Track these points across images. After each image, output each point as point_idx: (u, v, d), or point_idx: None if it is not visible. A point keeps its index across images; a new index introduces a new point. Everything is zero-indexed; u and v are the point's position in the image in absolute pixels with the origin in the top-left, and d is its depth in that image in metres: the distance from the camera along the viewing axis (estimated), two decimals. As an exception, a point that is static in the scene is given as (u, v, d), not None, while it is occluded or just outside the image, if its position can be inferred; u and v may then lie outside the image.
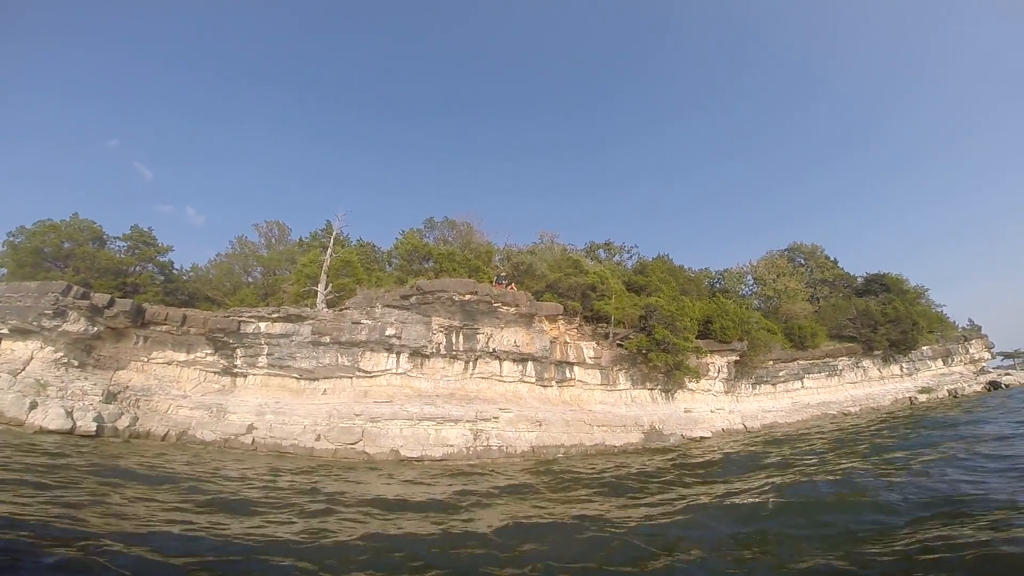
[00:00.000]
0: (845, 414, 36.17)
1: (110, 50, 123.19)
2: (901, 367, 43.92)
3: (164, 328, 22.26)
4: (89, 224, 28.87)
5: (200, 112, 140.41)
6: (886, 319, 41.10)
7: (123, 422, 19.23)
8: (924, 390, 42.21)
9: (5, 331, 20.41)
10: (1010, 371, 56.00)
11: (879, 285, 48.59)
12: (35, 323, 19.93)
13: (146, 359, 21.94)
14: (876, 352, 41.69)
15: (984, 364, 52.71)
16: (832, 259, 52.99)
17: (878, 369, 42.65)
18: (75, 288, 21.25)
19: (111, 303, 21.58)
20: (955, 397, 41.70)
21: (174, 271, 30.13)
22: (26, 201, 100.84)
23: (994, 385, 46.19)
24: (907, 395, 41.05)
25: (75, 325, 20.56)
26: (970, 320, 54.38)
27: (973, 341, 51.43)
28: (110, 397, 19.87)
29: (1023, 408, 26.38)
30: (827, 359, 39.46)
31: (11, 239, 26.46)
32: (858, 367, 41.65)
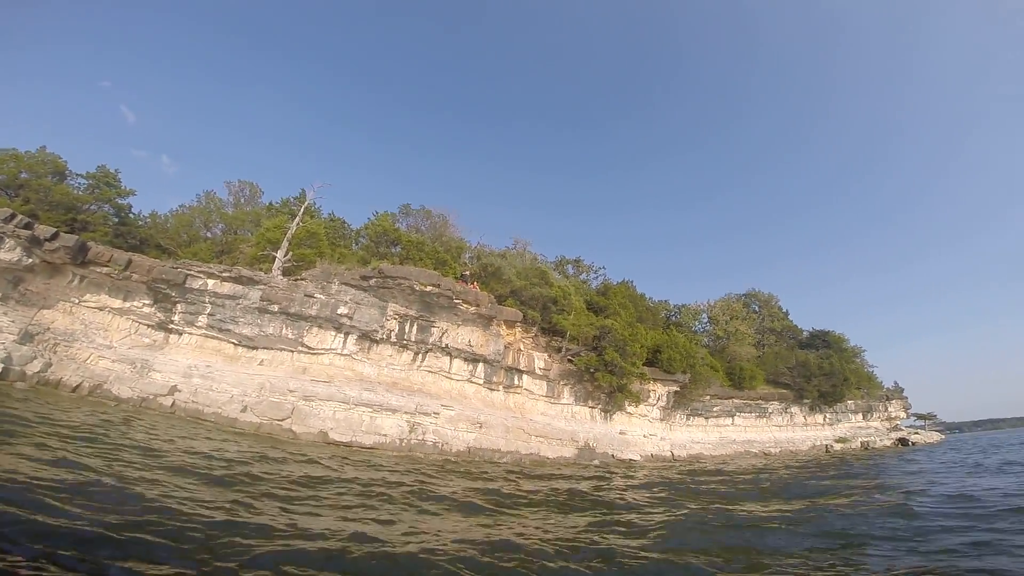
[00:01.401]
0: (766, 454, 37.71)
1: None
2: (825, 416, 46.95)
3: (105, 270, 20.94)
4: (54, 158, 27.28)
5: (199, 66, 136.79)
6: (821, 372, 43.82)
7: (34, 366, 17.70)
8: (840, 440, 44.96)
9: (-70, 250, 18.87)
10: (919, 430, 61.28)
11: (821, 340, 51.68)
12: (-35, 246, 18.46)
13: (77, 301, 20.50)
14: (806, 400, 44.40)
15: (899, 422, 56.79)
16: (784, 311, 56.01)
17: (804, 416, 45.16)
18: (19, 217, 19.92)
19: (55, 235, 20.23)
20: (866, 448, 44.67)
21: (131, 215, 28.58)
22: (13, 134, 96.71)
23: (903, 442, 49.65)
24: (824, 442, 43.45)
25: (9, 254, 19.17)
26: (895, 382, 58.72)
27: (894, 401, 55.28)
28: (26, 337, 18.37)
29: (903, 464, 26.52)
30: (760, 401, 41.23)
31: (-33, 162, 24.79)
32: (786, 412, 43.92)
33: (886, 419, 53.82)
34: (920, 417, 72.37)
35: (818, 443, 42.80)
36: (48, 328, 19.19)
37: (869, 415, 51.82)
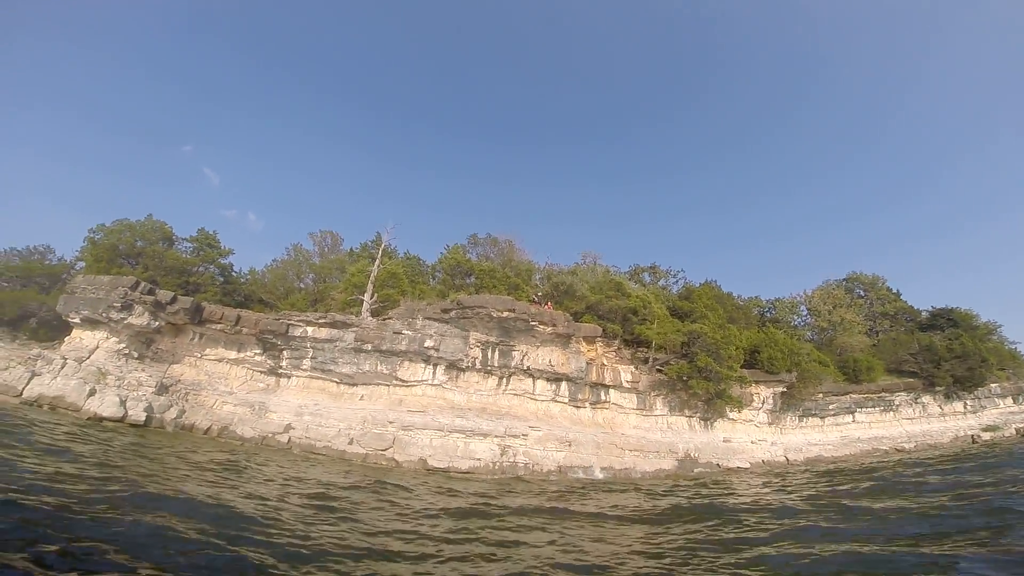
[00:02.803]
0: (898, 450, 34.74)
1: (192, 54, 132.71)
2: (965, 404, 41.68)
3: (219, 326, 23.99)
4: (161, 225, 31.38)
5: (268, 117, 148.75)
6: (951, 355, 39.20)
7: (171, 414, 20.93)
8: (989, 428, 39.82)
9: (77, 320, 22.55)
10: None
11: (945, 320, 46.35)
12: (104, 314, 21.94)
13: (199, 355, 23.75)
14: (938, 388, 39.83)
15: None
16: (895, 291, 50.82)
17: (939, 405, 40.57)
18: (143, 284, 23.30)
19: (174, 299, 23.51)
20: (1023, 436, 39.38)
21: (233, 273, 32.30)
22: (109, 194, 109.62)
23: None
24: (969, 432, 38.80)
25: (139, 318, 22.49)
26: None
27: None
28: (162, 389, 21.66)
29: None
30: (883, 393, 37.92)
31: (91, 236, 29.16)
32: (917, 403, 39.79)
33: None
34: None
35: (961, 433, 38.54)
36: (179, 380, 22.40)
37: (1021, 398, 45.16)
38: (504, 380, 25.79)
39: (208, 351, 23.98)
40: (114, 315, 21.95)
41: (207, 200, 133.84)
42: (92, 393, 20.12)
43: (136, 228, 30.31)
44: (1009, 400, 44.47)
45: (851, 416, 36.85)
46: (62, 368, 20.89)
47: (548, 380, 26.21)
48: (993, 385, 42.95)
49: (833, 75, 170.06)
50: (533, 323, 25.54)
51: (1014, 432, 39.94)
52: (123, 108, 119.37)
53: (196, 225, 33.55)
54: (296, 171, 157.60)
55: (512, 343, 25.76)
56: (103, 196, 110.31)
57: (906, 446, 35.40)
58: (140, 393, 20.91)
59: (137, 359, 22.67)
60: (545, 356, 26.02)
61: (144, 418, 20.03)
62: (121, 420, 19.55)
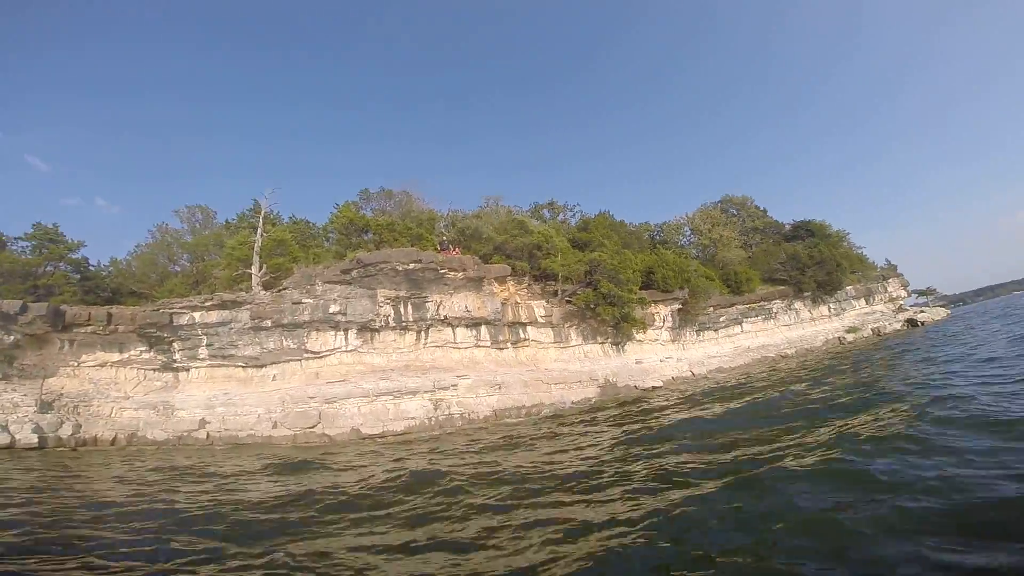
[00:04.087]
0: (783, 356, 39.59)
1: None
2: (829, 307, 48.78)
3: (89, 329, 21.83)
4: (-17, 226, 27.46)
5: (94, 93, 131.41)
6: (813, 261, 45.42)
7: (65, 430, 19.17)
8: (851, 329, 46.97)
9: (-91, 350, 19.64)
10: (924, 309, 62.58)
11: (805, 231, 53.57)
12: (-57, 338, 19.29)
13: (76, 363, 21.54)
14: (806, 294, 45.99)
15: (902, 302, 58.67)
16: (762, 209, 57.73)
17: (808, 311, 47.06)
18: (-22, 297, 20.58)
19: (24, 309, 20.91)
20: (879, 335, 46.76)
21: (90, 268, 29.09)
22: None
23: (912, 323, 52.20)
24: (836, 335, 45.52)
25: (-12, 336, 20.00)
26: (887, 260, 60.46)
27: (891, 280, 57.21)
28: (44, 407, 19.60)
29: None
30: (762, 303, 42.98)
31: None
32: (791, 309, 45.74)
33: (888, 300, 55.64)
34: (921, 293, 74.12)
35: (830, 336, 44.78)
36: (61, 393, 20.36)
37: (872, 299, 53.47)
38: (423, 334, 25.89)
39: (85, 357, 21.75)
40: (-45, 336, 19.36)
41: (38, 191, 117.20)
42: None
43: (-47, 235, 26.37)
44: (863, 301, 52.39)
45: (739, 327, 41.64)
46: None
47: (467, 326, 26.65)
48: (848, 288, 50.18)
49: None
50: (443, 271, 25.65)
51: (870, 332, 47.32)
52: None
53: (30, 221, 29.29)
54: (144, 145, 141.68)
55: (424, 294, 25.74)
56: None
57: (787, 352, 40.62)
58: (20, 415, 18.94)
59: (1, 379, 20.21)
60: (460, 302, 26.33)
61: (36, 440, 18.36)
62: (11, 446, 17.85)
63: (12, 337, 20.63)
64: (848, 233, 55.66)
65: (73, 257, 28.72)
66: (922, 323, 52.25)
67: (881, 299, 55.08)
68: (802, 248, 47.08)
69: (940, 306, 70.83)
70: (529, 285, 30.43)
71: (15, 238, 28.33)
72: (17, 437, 18.09)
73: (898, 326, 50.61)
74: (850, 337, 45.18)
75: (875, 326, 48.45)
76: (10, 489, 11.26)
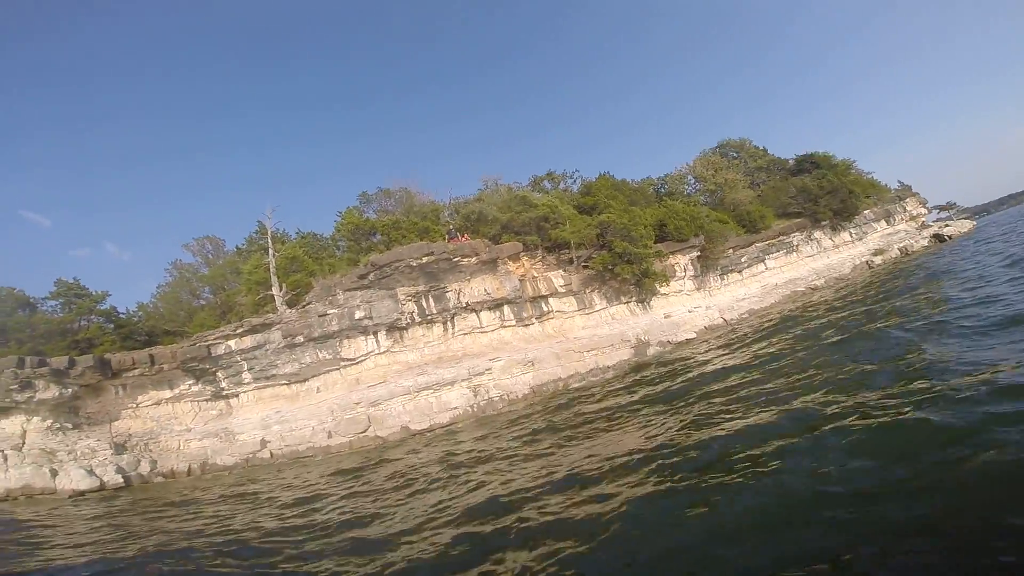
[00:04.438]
0: (813, 288, 39.42)
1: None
2: (850, 233, 48.49)
3: (136, 372, 23.03)
4: (10, 291, 28.50)
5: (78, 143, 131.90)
6: (824, 191, 45.30)
7: (144, 467, 20.74)
8: (877, 252, 46.74)
9: (-16, 413, 21.00)
10: (949, 222, 62.39)
11: (810, 163, 52.96)
12: (8, 399, 20.53)
13: (134, 405, 22.88)
14: (823, 223, 45.88)
15: (924, 219, 58.54)
16: (761, 148, 57.31)
17: (830, 239, 46.95)
18: (28, 359, 21.59)
19: (72, 363, 22.09)
20: (906, 254, 46.73)
21: (120, 315, 30.25)
22: None
23: (938, 238, 51.84)
24: (863, 259, 45.38)
25: (47, 392, 21.18)
26: (899, 181, 60.19)
27: (907, 199, 56.92)
28: (119, 449, 21.14)
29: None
30: (781, 237, 42.95)
31: (-69, 326, 26.18)
32: (811, 240, 45.61)
33: (909, 219, 55.35)
34: (941, 209, 73.43)
35: (858, 261, 44.68)
36: (129, 435, 21.87)
37: (892, 220, 53.08)
38: (448, 324, 26.81)
39: (140, 398, 23.04)
40: (18, 397, 20.51)
41: (43, 246, 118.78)
42: (55, 473, 19.51)
43: (-19, 304, 27.47)
44: (883, 223, 51.97)
45: (763, 264, 41.62)
46: (5, 461, 19.91)
47: (490, 309, 27.47)
48: (866, 212, 49.93)
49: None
50: (456, 259, 26.40)
51: (897, 252, 47.06)
52: None
53: (41, 278, 30.25)
54: (139, 183, 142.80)
55: (443, 285, 26.54)
56: None
57: (817, 283, 40.32)
58: (101, 458, 20.36)
59: (74, 429, 21.63)
60: (479, 286, 27.13)
61: (121, 479, 19.81)
62: (101, 488, 19.21)
63: (70, 390, 21.86)
64: (854, 161, 55.19)
65: (102, 308, 29.83)
66: (949, 237, 52.06)
67: (902, 219, 54.73)
68: (810, 180, 46.87)
69: (964, 218, 70.53)
70: (543, 258, 31.15)
71: (42, 298, 29.49)
72: (104, 479, 19.45)
73: (925, 243, 50.37)
74: (878, 259, 45.09)
75: (901, 245, 48.27)
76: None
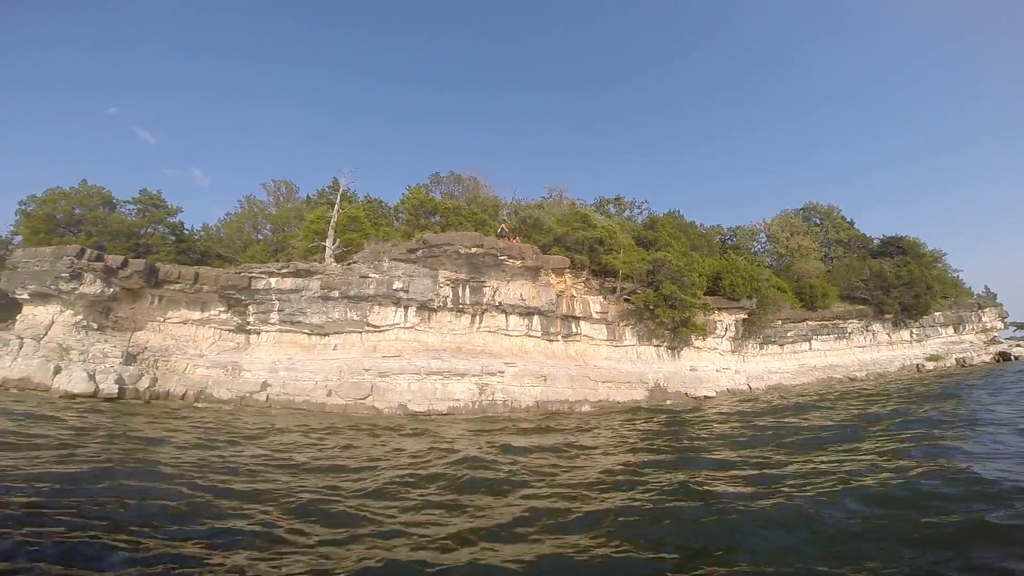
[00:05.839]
0: (851, 379, 36.66)
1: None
2: (911, 332, 44.31)
3: (178, 287, 23.70)
4: (98, 190, 30.09)
5: (203, 83, 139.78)
6: (900, 281, 41.08)
7: (143, 383, 21.04)
8: (932, 357, 42.62)
9: (25, 296, 21.99)
10: (1021, 342, 56.04)
11: (895, 248, 48.45)
12: (53, 287, 21.43)
13: (162, 319, 23.54)
14: (887, 316, 41.93)
15: (996, 334, 52.70)
16: (848, 220, 52.69)
17: (887, 334, 43.09)
18: (88, 251, 22.61)
19: (124, 263, 22.98)
20: (963, 366, 42.23)
21: (184, 231, 31.47)
22: (32, 175, 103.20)
23: (1004, 356, 46.68)
24: (915, 362, 41.47)
25: (91, 287, 22.03)
26: (986, 287, 54.52)
27: (987, 309, 51.23)
28: (129, 359, 21.64)
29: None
30: (837, 321, 39.89)
31: (23, 208, 27.93)
32: (868, 330, 42.04)
33: (981, 331, 50.22)
34: (1020, 327, 64.92)
35: (908, 363, 41.12)
36: (145, 347, 22.32)
37: (961, 328, 48.31)
38: (477, 318, 26.29)
39: (170, 314, 23.74)
40: (64, 286, 21.44)
41: (143, 161, 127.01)
42: (58, 371, 20.03)
43: (71, 195, 29.04)
44: (951, 329, 47.37)
45: (808, 344, 38.88)
46: (20, 348, 20.63)
47: (520, 315, 26.79)
48: (936, 314, 45.47)
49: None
50: (502, 257, 25.81)
51: (954, 362, 43.02)
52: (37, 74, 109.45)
53: (135, 188, 31.76)
54: (239, 123, 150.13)
55: (482, 279, 26.04)
56: (24, 171, 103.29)
57: (858, 374, 37.52)
58: (108, 365, 20.82)
59: (97, 330, 22.39)
60: (516, 291, 26.47)
61: (117, 390, 20.04)
62: (94, 395, 19.52)
63: (112, 289, 22.68)
64: (945, 254, 50.17)
65: (171, 221, 31.09)
66: (1016, 358, 47.11)
67: (972, 329, 49.60)
68: (889, 266, 42.87)
69: None
70: (587, 280, 30.07)
71: (124, 202, 30.99)
72: (101, 387, 19.84)
73: (987, 358, 45.50)
74: (930, 365, 41.24)
75: (960, 356, 43.85)
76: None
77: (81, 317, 22.17)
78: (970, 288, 51.71)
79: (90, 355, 21.12)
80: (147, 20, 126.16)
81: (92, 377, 19.99)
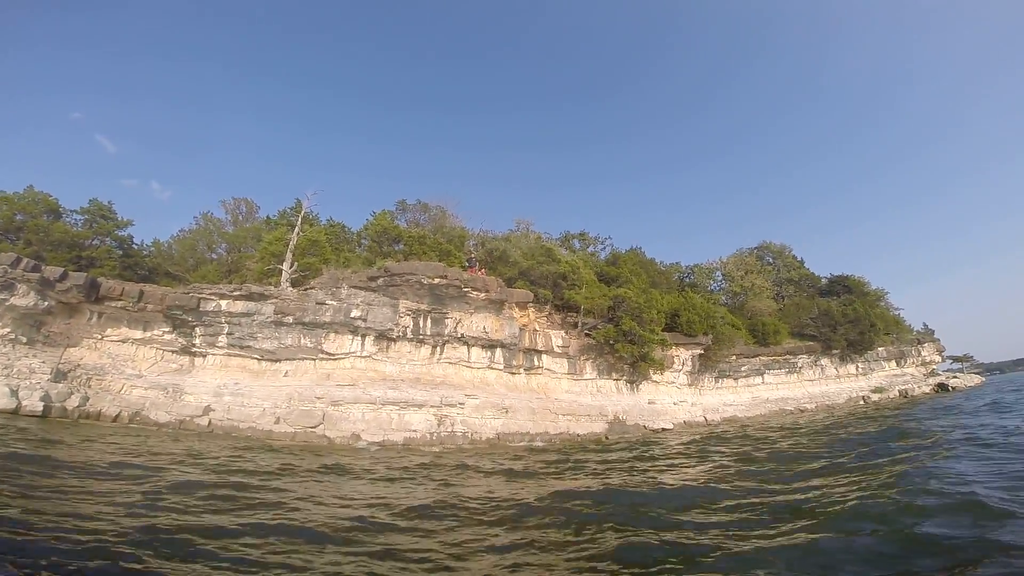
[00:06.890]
0: (801, 410, 37.70)
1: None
2: (857, 367, 46.28)
3: (120, 304, 21.96)
4: (44, 196, 28.11)
5: (175, 96, 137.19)
6: (846, 319, 43.05)
7: (72, 401, 19.05)
8: (877, 389, 44.59)
9: (-51, 305, 19.85)
10: (957, 374, 59.99)
11: (842, 286, 50.95)
12: (-20, 296, 19.45)
13: (100, 336, 21.62)
14: (834, 351, 43.70)
15: (935, 367, 56.14)
16: (799, 259, 55.25)
17: (835, 368, 44.79)
18: (25, 260, 20.78)
19: (63, 276, 21.16)
20: (905, 397, 44.25)
21: (134, 246, 29.51)
22: None
23: (942, 387, 49.36)
24: (860, 394, 43.31)
25: (24, 299, 20.17)
26: (924, 324, 58.08)
27: (926, 344, 54.35)
28: (59, 375, 19.58)
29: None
30: (788, 356, 41.02)
31: (-41, 212, 25.70)
32: (816, 365, 43.59)
33: (920, 364, 53.08)
34: (956, 360, 71.00)
35: (854, 395, 42.82)
36: (78, 365, 20.32)
37: (903, 361, 50.98)
38: (438, 348, 25.31)
39: (109, 331, 21.83)
40: (-7, 296, 19.51)
41: (101, 170, 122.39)
42: None
43: (14, 201, 26.93)
44: (893, 363, 50.02)
45: (760, 377, 39.89)
46: None
47: (483, 347, 26.00)
48: (880, 349, 47.91)
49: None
50: (466, 289, 25.11)
51: (897, 393, 45.10)
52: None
53: (90, 197, 29.88)
54: (205, 137, 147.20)
55: (445, 310, 25.22)
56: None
57: (808, 406, 38.76)
58: (34, 381, 18.84)
59: (26, 344, 20.28)
60: (479, 323, 25.71)
61: (42, 408, 18.11)
62: (15, 412, 17.63)
63: (47, 303, 20.84)
64: (887, 292, 53.26)
65: (120, 234, 29.17)
66: (953, 388, 49.56)
67: (913, 362, 52.38)
68: (836, 305, 44.87)
69: (975, 373, 68.13)
70: (550, 314, 29.68)
71: (71, 211, 28.95)
72: (24, 403, 17.92)
73: (927, 389, 48.05)
74: (875, 397, 43.04)
75: (903, 388, 45.95)
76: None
77: (9, 330, 20.12)
78: (910, 326, 54.55)
79: (15, 370, 19.12)
80: (121, 21, 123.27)
81: (15, 393, 18.06)
